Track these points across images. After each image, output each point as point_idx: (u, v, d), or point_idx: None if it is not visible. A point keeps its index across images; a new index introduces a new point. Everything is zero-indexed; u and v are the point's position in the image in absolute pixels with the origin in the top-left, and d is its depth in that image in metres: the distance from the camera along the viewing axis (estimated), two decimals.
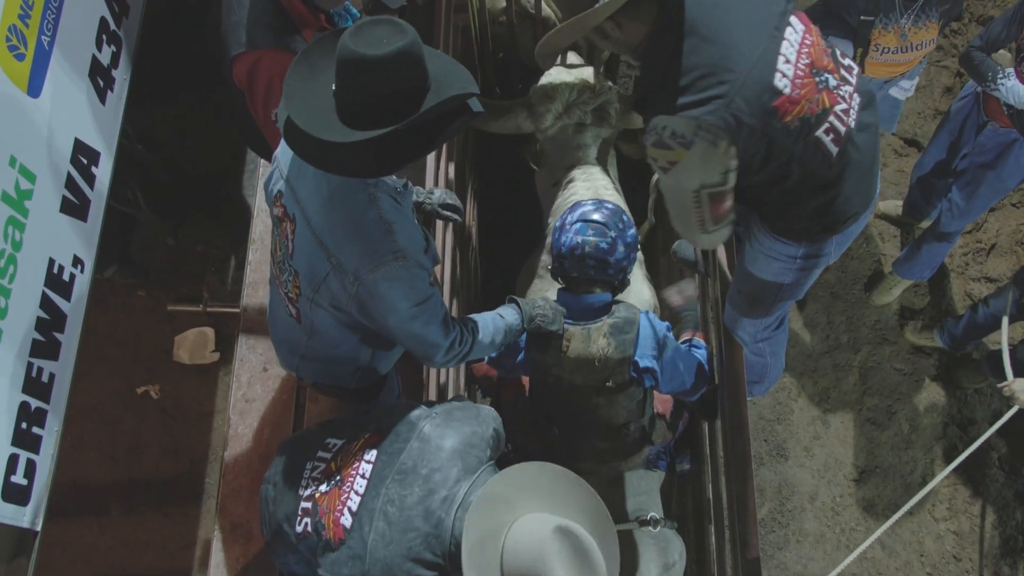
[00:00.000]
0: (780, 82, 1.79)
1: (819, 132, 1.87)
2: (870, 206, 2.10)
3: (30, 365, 1.95)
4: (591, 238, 2.24)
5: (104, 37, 2.31)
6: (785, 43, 1.81)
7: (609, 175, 3.09)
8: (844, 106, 1.91)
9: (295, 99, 1.63)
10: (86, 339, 2.17)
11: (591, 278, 2.28)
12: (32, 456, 1.95)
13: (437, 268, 2.65)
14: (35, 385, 1.96)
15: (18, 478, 1.90)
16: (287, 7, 2.27)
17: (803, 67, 1.82)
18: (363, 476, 1.76)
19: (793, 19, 1.86)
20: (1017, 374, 3.08)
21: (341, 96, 1.61)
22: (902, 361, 3.95)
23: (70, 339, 2.10)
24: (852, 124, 1.92)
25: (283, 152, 1.93)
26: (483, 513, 1.59)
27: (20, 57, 1.98)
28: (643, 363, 2.31)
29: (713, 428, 2.63)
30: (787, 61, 1.80)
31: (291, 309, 2.05)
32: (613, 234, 2.25)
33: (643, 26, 1.87)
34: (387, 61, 1.52)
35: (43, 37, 2.06)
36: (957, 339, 3.76)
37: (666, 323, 2.40)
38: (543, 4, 3.41)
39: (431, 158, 2.62)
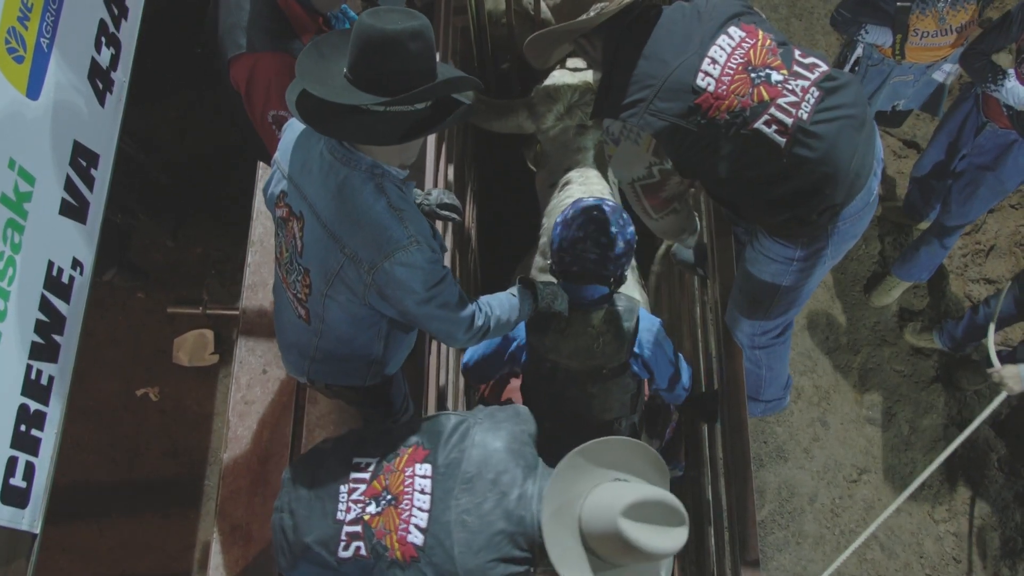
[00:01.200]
0: (702, 82, 1.99)
1: (758, 124, 1.99)
2: (855, 200, 2.11)
3: (29, 367, 1.95)
4: (593, 233, 2.27)
5: (103, 39, 2.30)
6: (715, 48, 2.01)
7: (608, 180, 3.09)
8: (792, 99, 2.00)
9: (309, 77, 1.68)
10: (85, 341, 2.17)
11: (590, 272, 2.30)
12: (31, 458, 1.94)
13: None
14: (34, 387, 1.96)
15: (17, 480, 1.89)
16: (285, 10, 2.27)
17: (734, 66, 2.00)
18: (423, 491, 1.80)
19: (732, 29, 2.05)
20: None
21: (358, 70, 1.66)
22: (901, 362, 3.96)
23: (69, 341, 2.09)
24: (803, 116, 1.99)
25: (283, 153, 1.94)
26: (561, 483, 1.71)
27: (19, 59, 1.97)
28: (638, 350, 2.35)
29: (712, 430, 2.63)
30: (713, 63, 2.00)
31: (300, 310, 2.05)
32: (614, 229, 2.28)
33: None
34: (405, 35, 1.61)
35: (42, 39, 2.06)
36: (957, 340, 3.76)
37: (659, 319, 2.44)
38: (543, 6, 3.41)
39: (430, 159, 2.62)
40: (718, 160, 2.05)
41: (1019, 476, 3.75)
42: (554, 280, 2.40)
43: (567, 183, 3.06)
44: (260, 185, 3.12)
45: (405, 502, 1.80)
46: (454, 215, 2.38)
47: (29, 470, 1.94)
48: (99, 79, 2.29)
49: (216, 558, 2.88)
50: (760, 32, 2.08)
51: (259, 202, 3.25)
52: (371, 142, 1.76)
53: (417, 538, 1.75)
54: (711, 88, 1.98)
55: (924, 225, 3.99)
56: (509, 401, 2.70)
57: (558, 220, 2.37)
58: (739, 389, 2.34)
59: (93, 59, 2.27)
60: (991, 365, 3.13)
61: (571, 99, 3.07)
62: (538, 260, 3.09)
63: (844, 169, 2.03)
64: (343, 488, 1.87)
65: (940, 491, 3.73)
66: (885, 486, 3.72)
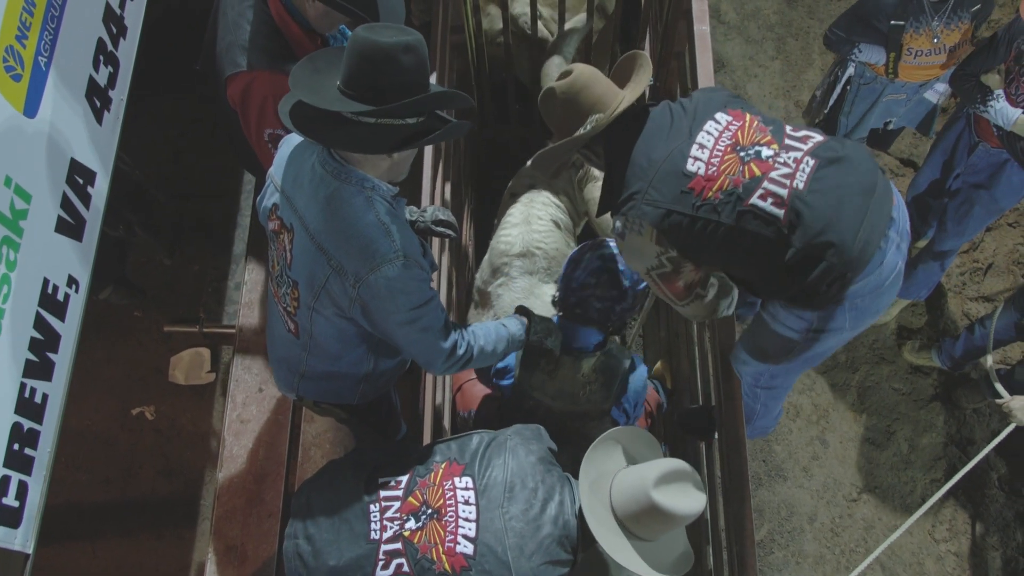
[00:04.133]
0: (692, 166, 2.01)
1: (753, 199, 1.98)
2: (871, 276, 2.05)
3: (23, 386, 1.94)
4: (605, 281, 2.25)
5: (101, 58, 2.32)
6: (702, 135, 2.05)
7: (561, 212, 3.10)
8: (785, 171, 1.99)
9: (302, 87, 1.70)
10: (81, 360, 2.16)
11: (592, 319, 2.29)
12: (24, 478, 1.93)
13: (433, 288, 2.65)
14: (28, 406, 1.95)
15: (10, 500, 1.88)
16: (284, 30, 2.29)
17: (722, 148, 2.03)
18: (467, 503, 1.84)
19: (719, 115, 2.08)
20: (1013, 393, 3.07)
21: (352, 82, 1.68)
22: (900, 381, 3.94)
23: (64, 360, 2.09)
24: (799, 186, 1.97)
25: (277, 167, 1.96)
26: (592, 461, 1.91)
27: (17, 78, 1.98)
28: (623, 402, 2.35)
29: (710, 448, 2.61)
30: (702, 148, 2.03)
31: (289, 324, 2.05)
32: (627, 283, 2.26)
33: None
34: (399, 48, 1.63)
35: (40, 58, 2.07)
36: (955, 359, 3.75)
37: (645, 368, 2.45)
38: (539, 25, 3.44)
39: (427, 177, 2.62)
40: (719, 240, 2.04)
41: (1020, 495, 3.73)
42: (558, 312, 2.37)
43: (517, 202, 3.10)
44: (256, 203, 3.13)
45: (449, 515, 1.82)
46: (450, 231, 2.38)
47: (22, 489, 1.92)
48: (97, 97, 2.30)
49: None
50: (747, 115, 2.09)
51: (255, 221, 3.25)
52: (361, 150, 1.77)
53: (467, 548, 1.78)
54: (701, 171, 2.00)
55: (922, 243, 4.00)
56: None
57: (572, 256, 2.36)
58: (736, 407, 2.32)
59: (91, 77, 2.28)
60: (993, 391, 3.12)
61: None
62: (476, 280, 3.08)
63: (849, 237, 1.96)
64: (373, 507, 1.87)
65: (941, 511, 3.71)
66: (885, 505, 3.70)
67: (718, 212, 1.99)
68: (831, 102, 3.49)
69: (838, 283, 2.02)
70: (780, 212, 1.97)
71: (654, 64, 3.45)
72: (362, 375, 2.13)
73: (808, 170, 1.99)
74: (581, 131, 2.08)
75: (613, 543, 1.83)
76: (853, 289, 2.06)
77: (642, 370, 2.41)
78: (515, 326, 2.17)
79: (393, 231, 1.78)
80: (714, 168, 1.99)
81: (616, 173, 2.11)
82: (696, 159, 2.01)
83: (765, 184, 1.98)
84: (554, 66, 3.20)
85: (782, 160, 2.00)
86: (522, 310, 2.25)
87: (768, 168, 1.99)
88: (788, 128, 2.09)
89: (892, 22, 3.02)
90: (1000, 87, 3.01)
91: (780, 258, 2.02)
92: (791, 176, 1.98)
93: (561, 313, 2.35)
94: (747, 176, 1.98)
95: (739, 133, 2.05)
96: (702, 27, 2.71)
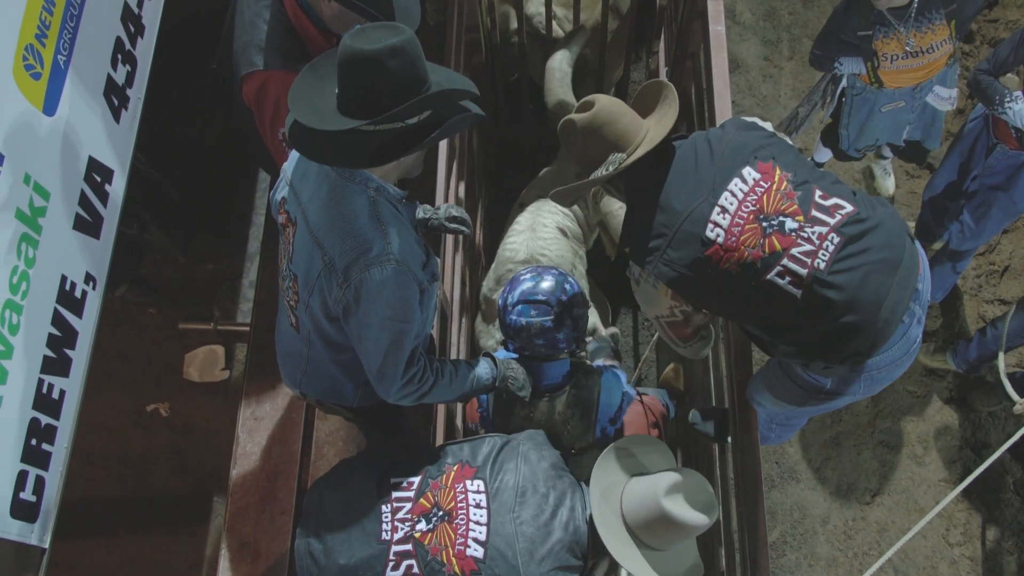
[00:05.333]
0: (711, 233, 1.92)
1: (771, 276, 1.90)
2: (891, 350, 1.98)
3: (40, 381, 1.95)
4: (535, 319, 2.20)
5: (119, 57, 2.33)
6: (726, 195, 1.93)
7: (569, 221, 3.09)
8: (807, 248, 1.89)
9: (300, 102, 1.69)
10: (97, 356, 2.18)
11: (543, 355, 2.26)
12: (41, 473, 1.95)
13: (446, 288, 2.65)
14: (45, 402, 1.97)
15: (27, 495, 1.90)
16: (299, 31, 2.30)
17: (744, 215, 1.92)
18: (479, 506, 1.84)
19: (747, 171, 1.95)
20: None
21: (342, 92, 1.66)
22: (915, 383, 3.92)
23: (81, 356, 2.10)
24: (820, 266, 1.88)
25: (290, 162, 1.97)
26: (603, 469, 1.94)
27: (36, 76, 2.00)
28: (607, 428, 2.33)
29: (723, 450, 2.61)
30: (724, 212, 1.92)
31: (292, 318, 2.05)
32: (558, 310, 2.21)
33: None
34: (381, 55, 1.59)
35: (59, 56, 2.08)
36: (970, 362, 3.72)
37: (627, 385, 2.43)
38: (554, 24, 3.43)
39: (441, 176, 2.63)
40: (733, 306, 2.03)
41: None
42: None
43: (524, 210, 3.09)
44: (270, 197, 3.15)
45: (460, 517, 1.82)
46: (464, 228, 2.37)
47: (39, 484, 1.94)
48: (115, 96, 2.31)
49: (224, 575, 2.87)
50: (777, 172, 1.96)
51: (269, 219, 3.26)
52: (367, 165, 1.75)
53: (477, 551, 1.78)
54: (720, 240, 1.91)
55: (937, 245, 3.97)
56: None
57: (499, 303, 2.32)
58: (749, 408, 2.32)
59: (109, 76, 2.29)
60: (1006, 394, 3.09)
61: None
62: (489, 278, 3.07)
63: (871, 317, 1.89)
64: (384, 508, 1.87)
65: (955, 514, 3.68)
66: (899, 508, 3.68)
67: (735, 282, 1.93)
68: (817, 115, 3.48)
69: (852, 359, 1.96)
70: (797, 292, 1.89)
71: (668, 65, 3.45)
72: (359, 379, 2.10)
73: (832, 248, 1.89)
74: (601, 172, 2.01)
75: (623, 551, 1.84)
76: (871, 362, 2.00)
77: (613, 384, 2.37)
78: (484, 370, 2.13)
79: (390, 234, 1.76)
80: (734, 238, 1.91)
81: (636, 214, 2.05)
82: (716, 225, 1.92)
83: (784, 261, 1.89)
84: (557, 61, 3.19)
85: (805, 235, 1.90)
86: (489, 356, 2.21)
87: (790, 243, 1.89)
88: (818, 194, 1.95)
89: (859, 33, 3.03)
90: (1019, 88, 2.99)
91: (794, 332, 1.98)
92: (812, 254, 1.89)
93: (516, 357, 2.32)
94: (767, 251, 1.90)
95: (764, 198, 1.93)
96: (717, 27, 2.70)
